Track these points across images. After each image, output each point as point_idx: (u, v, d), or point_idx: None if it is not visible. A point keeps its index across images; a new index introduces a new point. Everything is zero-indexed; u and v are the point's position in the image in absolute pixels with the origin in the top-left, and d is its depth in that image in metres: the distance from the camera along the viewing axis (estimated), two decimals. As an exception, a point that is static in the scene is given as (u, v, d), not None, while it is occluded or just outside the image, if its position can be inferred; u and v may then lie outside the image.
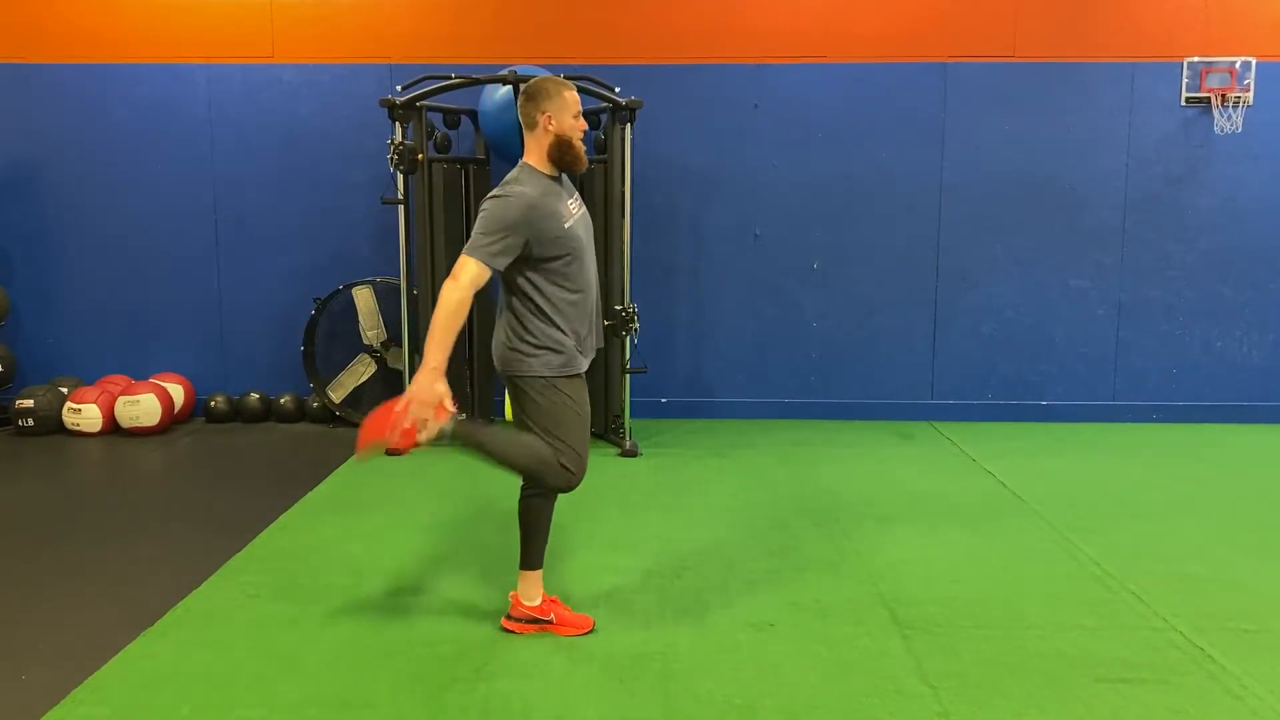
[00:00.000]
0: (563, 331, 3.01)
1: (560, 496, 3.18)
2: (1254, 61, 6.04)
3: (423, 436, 2.94)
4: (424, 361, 2.88)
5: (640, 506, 4.58)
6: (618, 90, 5.42)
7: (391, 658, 3.02)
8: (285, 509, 4.51)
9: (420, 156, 5.58)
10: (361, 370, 6.27)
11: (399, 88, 5.60)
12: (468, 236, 2.96)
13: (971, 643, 3.13)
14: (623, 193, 5.54)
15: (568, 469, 3.04)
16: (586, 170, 3.50)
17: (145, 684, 2.86)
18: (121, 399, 5.98)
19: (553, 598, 3.24)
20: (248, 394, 6.38)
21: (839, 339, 6.41)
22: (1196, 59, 6.09)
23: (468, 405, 6.10)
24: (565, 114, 3.01)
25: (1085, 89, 6.18)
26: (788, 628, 3.24)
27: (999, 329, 6.36)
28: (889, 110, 6.24)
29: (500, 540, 4.03)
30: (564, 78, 5.41)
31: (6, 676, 2.92)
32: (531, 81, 3.06)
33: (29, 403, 6.01)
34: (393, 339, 6.19)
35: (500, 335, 3.07)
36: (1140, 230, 6.27)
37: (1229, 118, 6.07)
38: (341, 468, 5.27)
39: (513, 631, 3.18)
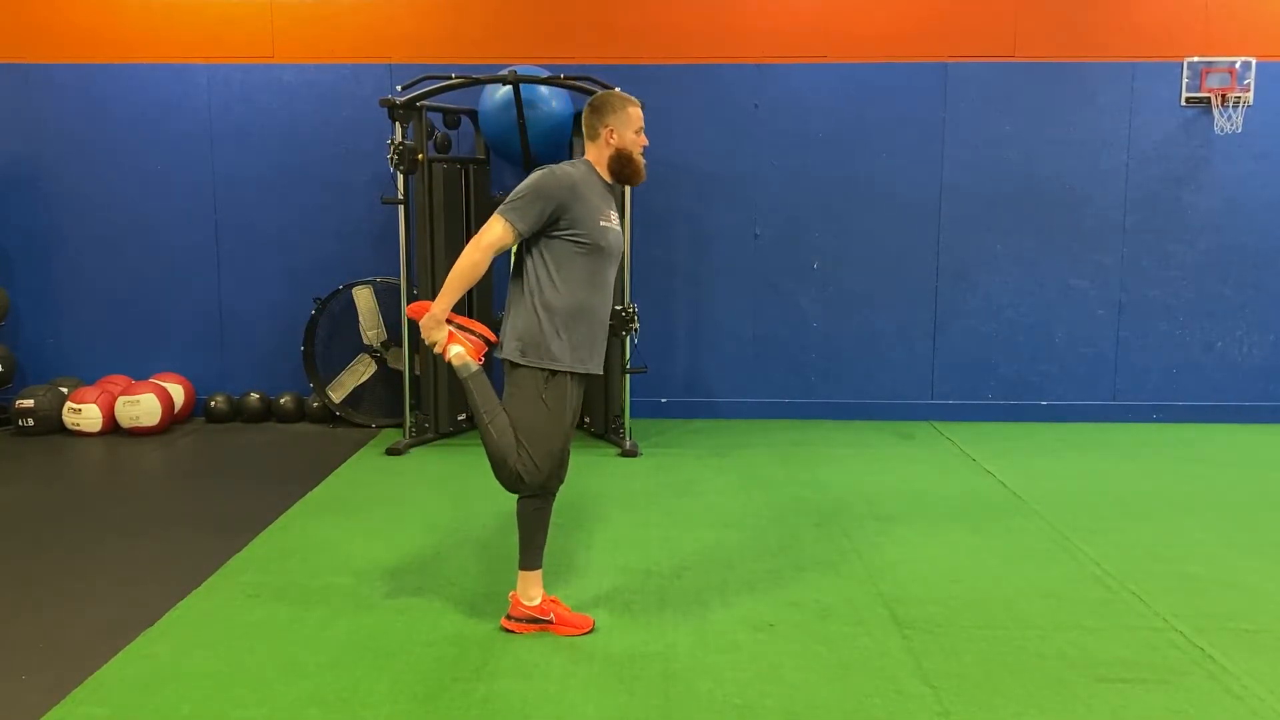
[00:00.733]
0: (561, 332, 3.01)
1: (560, 497, 3.19)
2: (1254, 61, 6.04)
3: (446, 358, 3.12)
4: (433, 305, 3.04)
5: (640, 507, 4.58)
6: (618, 90, 5.41)
7: (391, 658, 3.02)
8: (285, 509, 4.51)
9: (420, 156, 5.58)
10: (361, 370, 6.27)
11: (399, 88, 5.60)
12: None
13: (971, 643, 3.13)
14: (622, 192, 5.54)
15: (519, 476, 3.04)
16: None
17: (145, 684, 2.86)
18: (121, 399, 5.99)
19: (553, 597, 3.24)
20: (248, 394, 6.38)
21: (839, 339, 6.41)
22: (1196, 59, 6.09)
23: (467, 405, 6.10)
24: (627, 129, 3.08)
25: (1085, 89, 6.18)
26: (788, 628, 3.24)
27: (999, 329, 6.36)
28: (889, 110, 6.24)
29: (500, 540, 4.04)
30: (564, 77, 5.49)
31: (6, 676, 2.92)
32: (598, 94, 3.14)
33: (29, 403, 6.01)
34: (393, 339, 6.19)
35: (506, 323, 3.10)
36: (1140, 230, 6.27)
37: (1229, 118, 6.07)
38: (342, 468, 5.27)
39: (512, 631, 3.18)
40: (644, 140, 3.13)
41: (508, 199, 3.00)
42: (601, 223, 3.04)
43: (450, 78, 5.49)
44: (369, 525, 4.30)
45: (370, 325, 6.21)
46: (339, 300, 6.28)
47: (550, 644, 3.11)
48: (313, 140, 6.31)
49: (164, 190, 6.37)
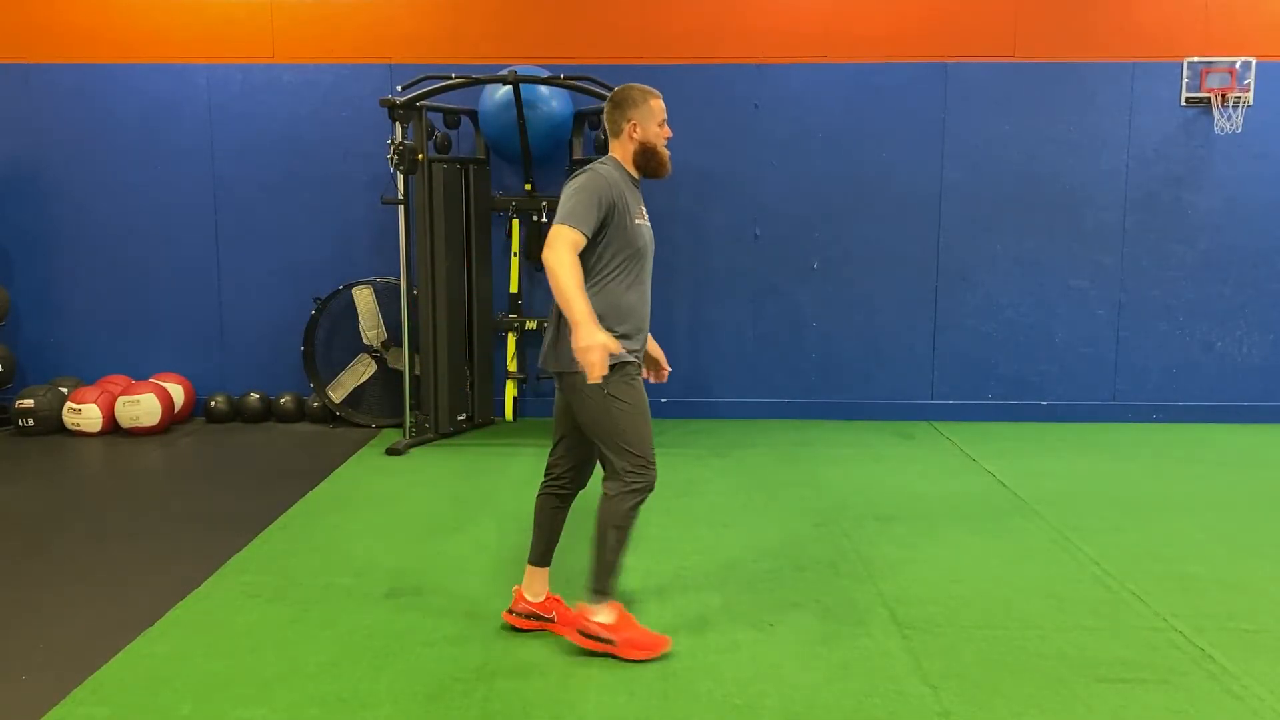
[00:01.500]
0: (615, 329, 2.91)
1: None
2: (1254, 61, 6.04)
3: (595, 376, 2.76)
4: (581, 328, 2.71)
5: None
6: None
7: (391, 658, 3.02)
8: (285, 509, 4.51)
9: (420, 156, 5.58)
10: (361, 370, 6.28)
11: (399, 88, 5.60)
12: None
13: (971, 643, 3.13)
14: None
15: (636, 489, 2.94)
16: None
17: (145, 684, 2.86)
18: (121, 399, 5.98)
19: (556, 596, 3.23)
20: (248, 394, 6.38)
21: (839, 339, 6.41)
22: (1196, 59, 6.09)
23: (467, 405, 6.11)
24: (650, 121, 3.06)
25: (1085, 89, 6.18)
26: (788, 628, 3.24)
27: (999, 329, 6.36)
28: (889, 110, 6.24)
29: (500, 540, 4.04)
30: (564, 77, 5.49)
31: (6, 676, 2.92)
32: (618, 89, 3.10)
33: (29, 403, 6.01)
34: (393, 339, 6.19)
35: (549, 336, 3.02)
36: (1140, 230, 6.27)
37: (1229, 118, 6.07)
38: (342, 468, 5.27)
39: (513, 625, 3.19)
40: (668, 132, 3.10)
41: (561, 210, 2.86)
42: (636, 221, 2.99)
43: (450, 78, 5.49)
44: (369, 525, 4.30)
45: (370, 325, 6.21)
46: (339, 300, 6.28)
47: (550, 644, 3.11)
48: (313, 140, 6.31)
49: (164, 190, 6.37)
